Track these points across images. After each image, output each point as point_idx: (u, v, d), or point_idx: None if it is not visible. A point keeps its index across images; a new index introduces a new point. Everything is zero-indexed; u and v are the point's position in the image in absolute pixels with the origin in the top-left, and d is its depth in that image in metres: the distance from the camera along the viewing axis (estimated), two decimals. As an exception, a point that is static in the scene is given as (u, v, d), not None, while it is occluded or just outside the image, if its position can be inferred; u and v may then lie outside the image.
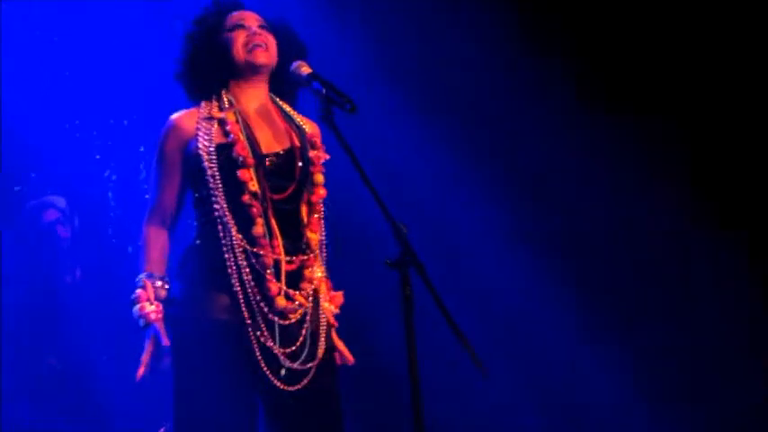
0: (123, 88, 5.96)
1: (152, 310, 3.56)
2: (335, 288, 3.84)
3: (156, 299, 3.60)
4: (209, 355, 3.55)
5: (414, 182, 5.98)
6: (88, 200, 5.97)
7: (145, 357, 3.54)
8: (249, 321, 3.53)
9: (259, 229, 3.58)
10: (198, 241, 3.67)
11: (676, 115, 5.76)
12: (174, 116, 3.68)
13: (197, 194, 3.67)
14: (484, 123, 6.01)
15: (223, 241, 3.56)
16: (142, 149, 5.93)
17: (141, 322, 3.59)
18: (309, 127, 3.79)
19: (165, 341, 3.55)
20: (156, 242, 3.64)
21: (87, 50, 5.95)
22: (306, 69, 3.58)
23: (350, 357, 3.75)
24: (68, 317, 5.56)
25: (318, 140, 3.75)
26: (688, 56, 5.77)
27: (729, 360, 5.67)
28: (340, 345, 3.76)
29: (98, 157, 5.97)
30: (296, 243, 3.63)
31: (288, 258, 3.58)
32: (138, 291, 3.59)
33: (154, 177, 3.69)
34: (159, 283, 3.62)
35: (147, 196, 3.81)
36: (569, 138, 5.91)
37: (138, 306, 3.59)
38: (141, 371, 3.55)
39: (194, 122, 3.65)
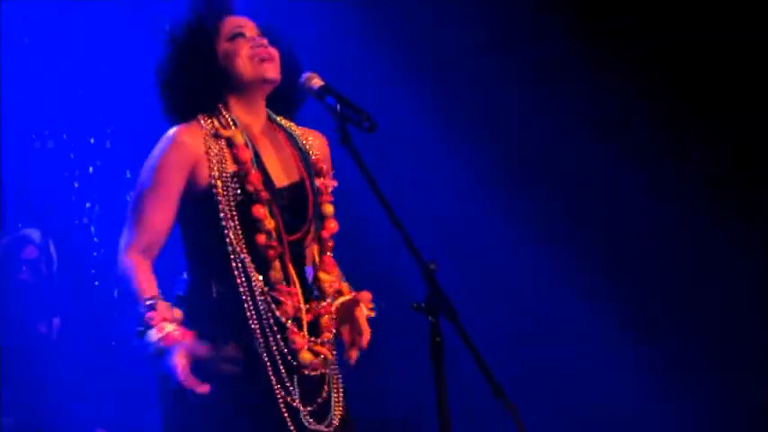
0: (104, 101, 5.84)
1: (173, 329, 3.25)
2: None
3: (173, 322, 3.32)
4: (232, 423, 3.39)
5: (432, 190, 5.98)
6: (66, 236, 5.73)
7: (189, 380, 3.21)
8: (274, 379, 3.39)
9: (277, 273, 3.42)
10: (201, 285, 3.44)
11: (718, 114, 5.79)
12: (177, 130, 3.43)
13: (200, 229, 3.45)
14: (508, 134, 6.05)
15: (240, 288, 3.39)
16: (129, 175, 5.75)
17: (158, 347, 3.24)
18: (315, 142, 3.65)
19: (203, 349, 3.27)
20: (145, 272, 3.38)
21: (63, 60, 5.83)
22: (317, 81, 3.38)
23: (364, 343, 3.53)
24: (41, 376, 5.31)
25: (325, 166, 3.61)
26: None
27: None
28: (366, 329, 3.54)
29: (77, 185, 5.77)
30: (311, 289, 3.53)
31: (307, 307, 3.46)
32: (149, 313, 3.28)
33: (142, 199, 3.41)
34: (170, 306, 3.36)
35: (125, 222, 3.46)
36: (599, 142, 5.90)
37: (153, 330, 3.25)
38: (204, 388, 3.25)
39: (201, 140, 3.44)
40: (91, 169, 5.74)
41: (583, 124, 5.94)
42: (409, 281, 3.32)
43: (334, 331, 3.51)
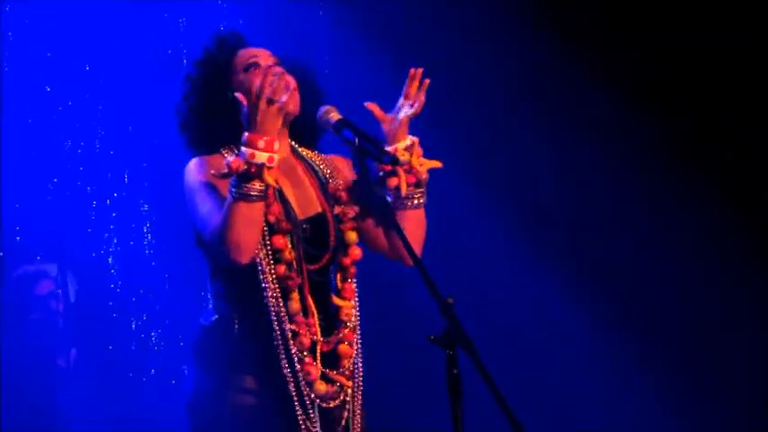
0: (123, 137, 5.77)
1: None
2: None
3: None
4: None
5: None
6: (84, 267, 5.70)
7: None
8: (299, 410, 3.39)
9: (295, 304, 3.40)
10: (226, 314, 3.45)
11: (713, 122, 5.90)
12: (201, 158, 3.45)
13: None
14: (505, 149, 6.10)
15: (269, 317, 3.38)
16: (146, 208, 5.73)
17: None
18: (339, 165, 3.64)
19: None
20: None
21: (79, 85, 5.77)
22: (335, 115, 3.36)
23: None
24: (61, 411, 5.34)
25: (344, 195, 3.56)
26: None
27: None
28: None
29: (93, 217, 5.73)
30: (330, 318, 3.49)
31: (324, 339, 3.44)
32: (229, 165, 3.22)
33: (207, 211, 3.35)
34: None
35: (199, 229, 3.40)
36: (601, 151, 5.99)
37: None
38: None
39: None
40: (108, 201, 5.72)
41: (582, 132, 5.98)
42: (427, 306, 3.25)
43: (354, 357, 3.48)
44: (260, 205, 3.25)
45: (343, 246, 3.50)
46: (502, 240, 5.99)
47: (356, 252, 3.50)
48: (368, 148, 3.24)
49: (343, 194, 3.54)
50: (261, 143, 3.19)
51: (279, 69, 3.35)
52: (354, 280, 3.51)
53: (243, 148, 3.19)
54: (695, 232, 5.90)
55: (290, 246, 3.39)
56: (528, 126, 6.04)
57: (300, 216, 3.47)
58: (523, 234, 5.98)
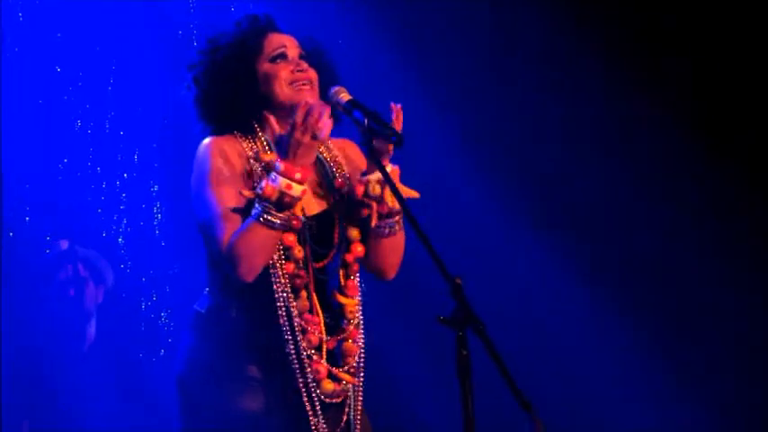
0: (134, 117, 5.77)
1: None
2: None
3: None
4: None
5: (449, 200, 5.97)
6: (94, 248, 5.63)
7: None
8: (309, 407, 3.38)
9: (303, 302, 3.40)
10: (222, 306, 3.44)
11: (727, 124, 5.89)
12: (215, 139, 3.43)
13: None
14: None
15: (279, 312, 3.36)
16: (156, 189, 5.76)
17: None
18: (345, 153, 3.60)
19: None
20: None
21: (89, 66, 5.75)
22: (345, 96, 3.38)
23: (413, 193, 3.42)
24: (70, 390, 5.32)
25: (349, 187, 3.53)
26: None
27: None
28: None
29: (103, 198, 5.73)
30: (334, 317, 3.49)
31: (328, 338, 3.44)
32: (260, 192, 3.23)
33: (209, 202, 3.34)
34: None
35: (209, 236, 3.37)
36: (613, 150, 6.03)
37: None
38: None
39: (241, 156, 3.41)
40: (118, 182, 5.72)
41: (595, 132, 6.00)
42: (434, 292, 3.35)
43: (358, 354, 3.48)
44: (280, 233, 3.25)
45: (346, 242, 3.48)
46: (513, 226, 5.99)
47: (359, 249, 3.48)
48: (377, 129, 3.24)
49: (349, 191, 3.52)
50: (297, 175, 3.20)
51: (324, 108, 3.30)
52: (357, 277, 3.50)
53: (278, 177, 3.19)
54: (721, 225, 5.90)
55: (298, 243, 3.37)
56: (545, 120, 6.05)
57: (307, 212, 3.44)
58: (528, 213, 6.00)
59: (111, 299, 5.61)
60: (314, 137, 3.21)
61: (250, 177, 3.36)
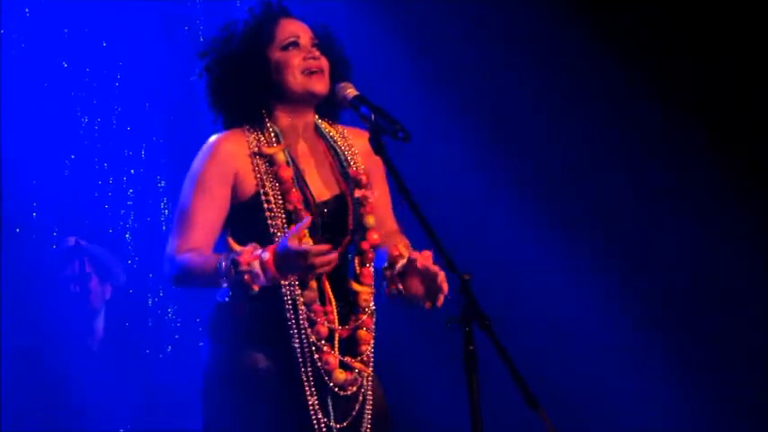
0: (139, 112, 5.78)
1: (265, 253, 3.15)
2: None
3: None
4: None
5: (457, 197, 5.97)
6: (101, 244, 5.65)
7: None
8: (310, 398, 3.38)
9: (311, 293, 3.38)
10: (238, 296, 3.40)
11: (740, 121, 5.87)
12: (219, 138, 3.44)
13: (248, 238, 3.31)
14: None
15: (285, 305, 3.36)
16: (162, 184, 5.76)
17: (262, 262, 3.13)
18: (358, 142, 3.56)
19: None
20: (205, 253, 3.33)
21: (96, 61, 5.78)
22: (352, 92, 3.40)
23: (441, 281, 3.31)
24: (77, 386, 5.33)
25: (365, 178, 3.53)
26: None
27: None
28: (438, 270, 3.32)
29: (110, 193, 5.75)
30: (348, 305, 3.46)
31: (342, 326, 3.42)
32: (238, 258, 3.15)
33: (187, 206, 3.40)
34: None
35: (171, 231, 3.43)
36: (623, 146, 6.01)
37: (252, 261, 3.14)
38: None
39: (244, 152, 3.43)
40: (125, 177, 5.73)
41: (605, 129, 5.98)
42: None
43: (372, 344, 3.47)
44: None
45: (362, 229, 3.47)
46: (522, 225, 6.00)
47: (374, 236, 3.47)
48: (383, 124, 3.23)
49: (364, 178, 3.51)
50: (271, 278, 3.14)
51: (334, 257, 3.22)
52: (372, 265, 3.47)
53: (261, 273, 3.12)
54: (733, 224, 5.87)
55: (307, 234, 3.35)
56: (556, 113, 6.05)
57: (319, 198, 3.44)
58: (539, 211, 5.99)
59: (118, 295, 5.62)
60: (315, 276, 3.29)
61: (252, 174, 3.37)
